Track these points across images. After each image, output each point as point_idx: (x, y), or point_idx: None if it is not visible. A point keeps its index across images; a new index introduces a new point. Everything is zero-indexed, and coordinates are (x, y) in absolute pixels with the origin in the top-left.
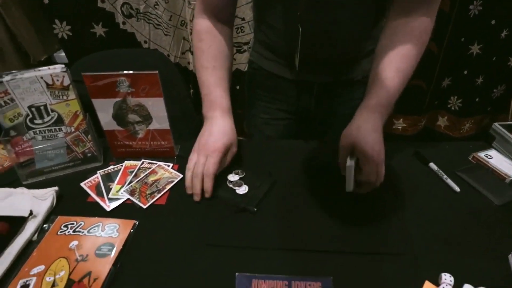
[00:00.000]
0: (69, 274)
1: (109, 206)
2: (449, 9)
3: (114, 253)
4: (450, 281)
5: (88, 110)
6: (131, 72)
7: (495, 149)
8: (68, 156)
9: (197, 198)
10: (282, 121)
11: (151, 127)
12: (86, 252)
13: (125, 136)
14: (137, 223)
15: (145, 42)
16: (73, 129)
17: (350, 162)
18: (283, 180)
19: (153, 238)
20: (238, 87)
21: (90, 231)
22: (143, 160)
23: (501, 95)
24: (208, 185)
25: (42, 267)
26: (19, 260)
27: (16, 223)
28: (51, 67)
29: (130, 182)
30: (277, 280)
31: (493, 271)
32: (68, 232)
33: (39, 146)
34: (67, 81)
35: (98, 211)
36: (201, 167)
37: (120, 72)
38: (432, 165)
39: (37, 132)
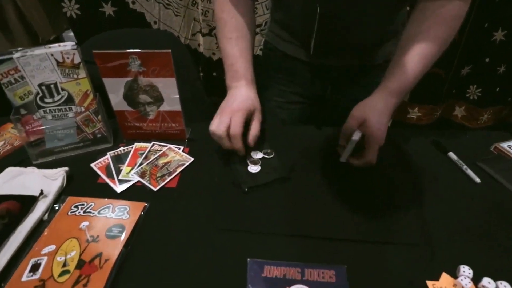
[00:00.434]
0: (80, 255)
1: (119, 187)
2: None
3: (124, 235)
4: (469, 273)
5: (99, 90)
6: (143, 50)
7: None
8: (78, 136)
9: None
10: (296, 105)
11: (162, 108)
12: (96, 233)
13: (135, 117)
14: (147, 205)
15: (155, 22)
16: (83, 109)
17: (357, 135)
18: (298, 166)
19: (163, 221)
20: (215, 74)
21: (101, 212)
22: (153, 142)
23: None
24: (239, 145)
25: (53, 247)
26: (30, 240)
27: (27, 203)
28: (61, 44)
29: (141, 164)
30: (290, 267)
31: None
32: (79, 212)
33: (49, 126)
34: (77, 59)
35: (108, 193)
36: (223, 125)
37: (132, 50)
38: (451, 154)
39: (47, 111)
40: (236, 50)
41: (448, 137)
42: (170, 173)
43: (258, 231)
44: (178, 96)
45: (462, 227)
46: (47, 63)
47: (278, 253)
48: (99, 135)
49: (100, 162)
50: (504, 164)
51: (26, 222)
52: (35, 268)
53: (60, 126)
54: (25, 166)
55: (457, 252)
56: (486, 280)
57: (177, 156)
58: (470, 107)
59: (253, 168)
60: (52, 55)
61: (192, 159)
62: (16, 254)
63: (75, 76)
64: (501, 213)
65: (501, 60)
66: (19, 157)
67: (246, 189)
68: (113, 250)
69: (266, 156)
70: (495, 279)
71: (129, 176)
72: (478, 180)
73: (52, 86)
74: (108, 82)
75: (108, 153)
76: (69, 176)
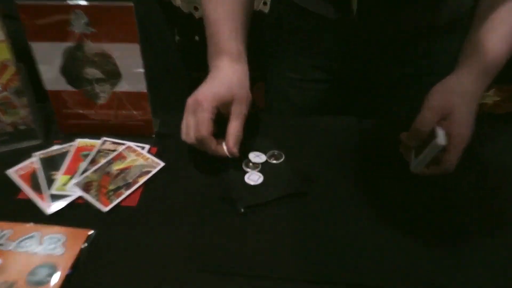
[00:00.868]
0: None
1: (51, 207)
2: None
3: (56, 281)
4: None
5: (24, 60)
6: (92, 2)
7: None
8: None
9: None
10: (317, 84)
11: (118, 88)
12: (13, 278)
13: (78, 101)
14: (93, 234)
15: None
16: None
17: (442, 137)
18: (319, 176)
19: (118, 258)
20: (197, 38)
21: (21, 244)
22: (104, 139)
23: None
24: (212, 150)
25: None
26: None
27: None
28: None
29: (85, 171)
30: None
31: None
32: None
33: None
34: None
35: (33, 214)
36: (191, 130)
37: (75, 2)
38: None
39: None
40: (219, 13)
41: None
42: (128, 186)
43: (257, 273)
44: (142, 70)
45: None
46: None
47: None
48: (22, 127)
49: (22, 167)
50: None
51: None
52: None
53: None
54: None
55: None
56: None
57: (140, 160)
58: None
59: (253, 178)
60: None
61: (162, 164)
62: None
63: None
64: None
65: None
66: None
67: (242, 210)
68: None
69: (271, 160)
70: None
71: (67, 189)
72: None
73: None
74: (38, 48)
75: (35, 154)
76: None
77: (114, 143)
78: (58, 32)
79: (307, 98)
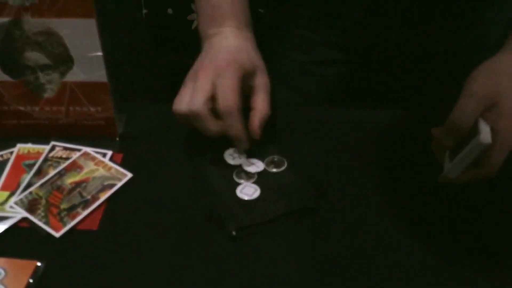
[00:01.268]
0: None
1: None
2: None
3: None
4: None
5: None
6: None
7: None
8: None
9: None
10: (330, 67)
11: (70, 77)
12: None
13: (18, 95)
14: (41, 266)
15: None
16: None
17: (487, 135)
18: (333, 188)
19: None
20: (170, 11)
21: None
22: (53, 143)
23: None
24: (238, 128)
25: None
26: None
27: None
28: None
29: (29, 185)
30: None
31: None
32: None
33: None
34: None
35: None
36: (202, 94)
37: None
38: None
39: None
40: None
41: None
42: (86, 204)
43: None
44: (101, 53)
45: None
46: None
47: None
48: None
49: None
50: None
51: None
52: None
53: None
54: None
55: None
56: None
57: (101, 170)
58: None
59: (247, 192)
60: None
61: (130, 175)
62: None
63: None
64: None
65: None
66: None
67: (234, 232)
68: None
69: (271, 169)
70: None
71: (5, 209)
72: None
73: None
74: None
75: None
76: None
77: (66, 149)
78: None
79: (317, 85)
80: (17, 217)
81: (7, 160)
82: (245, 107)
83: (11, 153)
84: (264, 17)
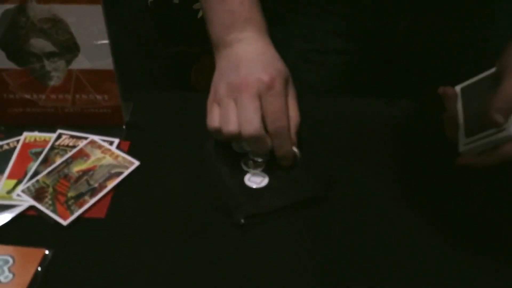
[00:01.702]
0: None
1: None
2: None
3: None
4: None
5: None
6: None
7: None
8: None
9: None
10: (338, 56)
11: (76, 65)
12: None
13: (23, 83)
14: (49, 254)
15: None
16: None
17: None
18: (342, 177)
19: (81, 284)
20: (176, 1)
21: None
22: (59, 131)
23: None
24: (288, 148)
25: None
26: None
27: None
28: None
29: (35, 173)
30: None
31: None
32: None
33: None
34: None
35: None
36: (254, 117)
37: None
38: None
39: None
40: None
41: None
42: (94, 192)
43: None
44: (107, 41)
45: None
46: None
47: None
48: None
49: None
50: None
51: None
52: None
53: None
54: None
55: None
56: None
57: (108, 158)
58: None
59: (255, 180)
60: None
61: (137, 163)
62: None
63: None
64: None
65: None
66: None
67: (243, 220)
68: None
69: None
70: None
71: (13, 197)
72: None
73: None
74: None
75: None
76: None
77: (72, 137)
78: None
79: (324, 75)
80: (25, 205)
81: (13, 149)
82: None
83: (18, 141)
84: (268, 5)
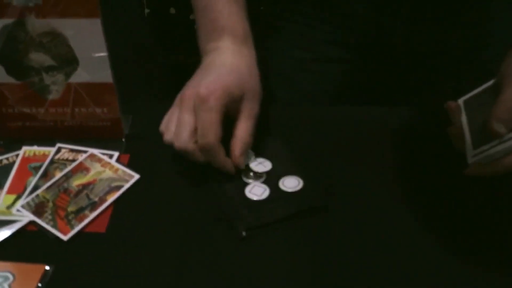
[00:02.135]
0: None
1: None
2: None
3: None
4: None
5: None
6: None
7: None
8: None
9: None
10: (332, 65)
11: (75, 78)
12: None
13: (23, 97)
14: (50, 270)
15: None
16: None
17: None
18: (341, 186)
19: None
20: (173, 11)
21: None
22: (59, 145)
23: None
24: (220, 162)
25: None
26: None
27: None
28: None
29: (35, 188)
30: None
31: None
32: None
33: None
34: None
35: None
36: (185, 128)
37: None
38: None
39: None
40: None
41: None
42: (94, 206)
43: None
44: (106, 53)
45: None
46: None
47: None
48: None
49: None
50: None
51: None
52: None
53: None
54: None
55: None
56: None
57: (108, 172)
58: None
59: (256, 192)
60: None
61: (137, 176)
62: None
63: None
64: None
65: None
66: None
67: (244, 233)
68: None
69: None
70: None
71: (12, 212)
72: None
73: None
74: None
75: None
76: None
77: (72, 150)
78: None
79: (320, 83)
80: (24, 220)
81: (13, 163)
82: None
83: (17, 155)
84: (264, 14)
